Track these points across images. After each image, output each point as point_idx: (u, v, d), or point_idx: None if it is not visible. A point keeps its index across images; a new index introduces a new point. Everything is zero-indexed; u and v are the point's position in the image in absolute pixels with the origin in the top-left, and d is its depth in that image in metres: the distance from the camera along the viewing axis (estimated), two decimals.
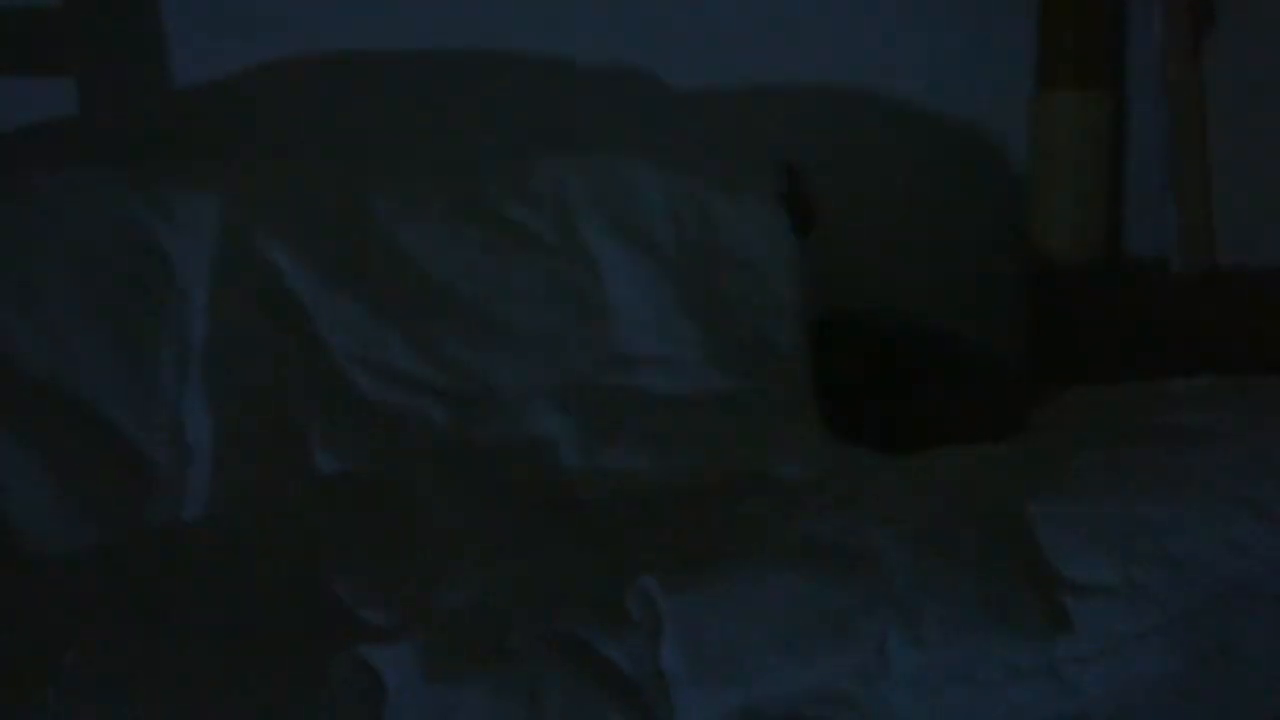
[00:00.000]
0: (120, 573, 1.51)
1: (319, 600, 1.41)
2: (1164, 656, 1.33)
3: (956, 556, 1.38)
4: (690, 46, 2.37)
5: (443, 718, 1.24)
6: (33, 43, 2.06)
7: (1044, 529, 1.43)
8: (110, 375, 1.72)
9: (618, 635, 1.31)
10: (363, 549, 1.54)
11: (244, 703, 1.25)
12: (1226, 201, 2.42)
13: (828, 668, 1.30)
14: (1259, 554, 1.38)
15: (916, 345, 2.22)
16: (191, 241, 1.81)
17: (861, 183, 2.50)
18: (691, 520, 1.53)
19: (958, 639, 1.32)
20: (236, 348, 1.77)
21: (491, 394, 1.82)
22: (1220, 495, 1.44)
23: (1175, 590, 1.35)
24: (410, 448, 1.74)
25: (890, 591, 1.34)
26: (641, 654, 1.30)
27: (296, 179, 1.92)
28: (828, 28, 2.43)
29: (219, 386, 1.74)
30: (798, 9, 2.41)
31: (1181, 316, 2.27)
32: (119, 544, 1.58)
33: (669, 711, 1.27)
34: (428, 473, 1.69)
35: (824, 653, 1.30)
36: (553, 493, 1.67)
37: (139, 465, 1.68)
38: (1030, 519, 1.44)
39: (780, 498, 1.57)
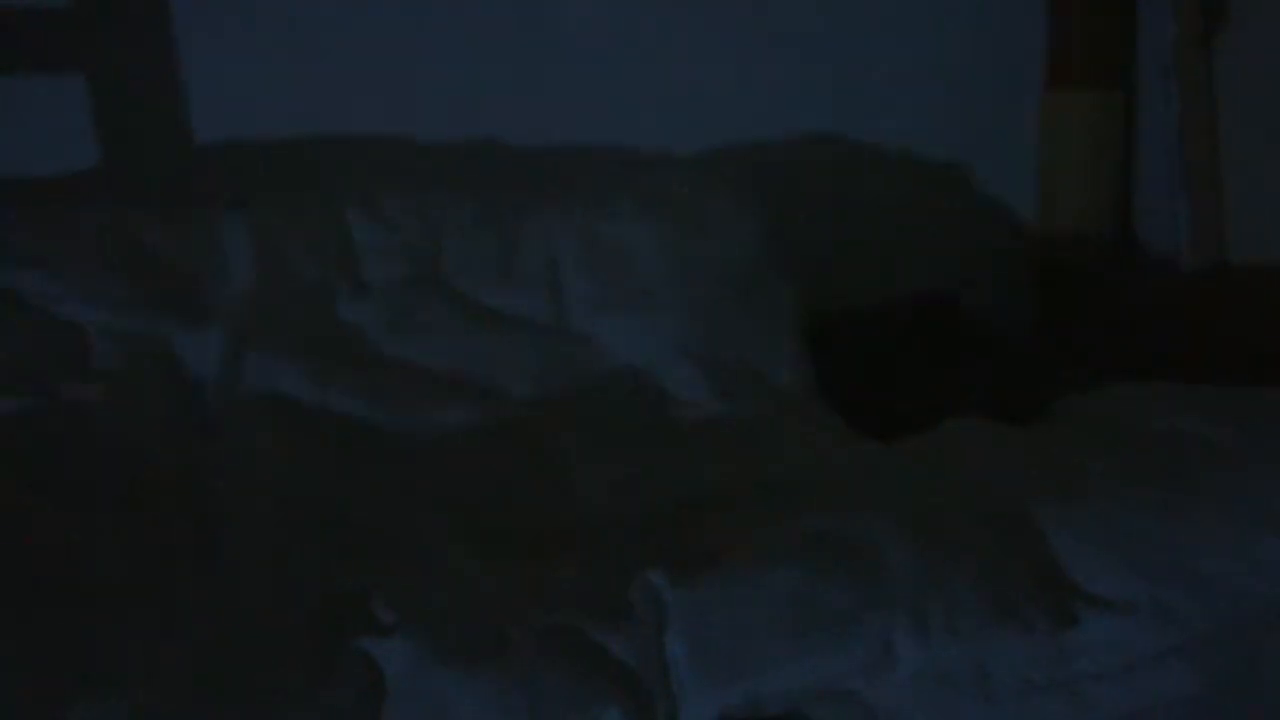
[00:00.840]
0: (140, 554, 1.51)
1: (327, 595, 1.41)
2: (1183, 677, 1.32)
3: (964, 555, 1.37)
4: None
5: (443, 710, 1.23)
6: (43, 41, 2.07)
7: (1056, 534, 1.41)
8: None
9: (620, 628, 1.31)
10: (369, 546, 1.54)
11: (250, 693, 1.24)
12: (1237, 197, 2.41)
13: (833, 663, 1.29)
14: None
15: (935, 328, 2.23)
16: (200, 355, 1.87)
17: (874, 180, 2.51)
18: (697, 521, 1.52)
19: (964, 636, 1.31)
20: (247, 453, 1.79)
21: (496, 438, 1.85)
22: (1242, 513, 1.41)
23: (1199, 610, 1.33)
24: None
25: (896, 589, 1.33)
26: (645, 646, 1.29)
27: (285, 302, 1.94)
28: (840, 27, 2.44)
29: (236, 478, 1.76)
30: (811, 7, 2.42)
31: (1192, 311, 2.26)
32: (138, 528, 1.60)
33: (671, 703, 1.26)
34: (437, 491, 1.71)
35: (829, 648, 1.29)
36: (559, 500, 1.67)
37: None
38: (1041, 522, 1.43)
39: (787, 496, 1.55)
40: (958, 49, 2.50)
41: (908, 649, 1.30)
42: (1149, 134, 2.52)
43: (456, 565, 1.46)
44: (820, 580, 1.33)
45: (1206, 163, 2.42)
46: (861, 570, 1.34)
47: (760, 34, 2.40)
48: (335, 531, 1.60)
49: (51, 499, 1.64)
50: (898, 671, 1.30)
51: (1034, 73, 2.54)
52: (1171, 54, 2.42)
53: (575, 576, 1.40)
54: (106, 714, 1.20)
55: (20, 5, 2.06)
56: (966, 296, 2.40)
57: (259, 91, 2.16)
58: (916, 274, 2.43)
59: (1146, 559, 1.37)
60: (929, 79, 2.49)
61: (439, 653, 1.28)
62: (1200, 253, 2.39)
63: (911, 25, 2.47)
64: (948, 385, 2.00)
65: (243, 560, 1.52)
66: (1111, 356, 2.14)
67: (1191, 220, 2.40)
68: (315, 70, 2.19)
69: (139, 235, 1.94)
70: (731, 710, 1.28)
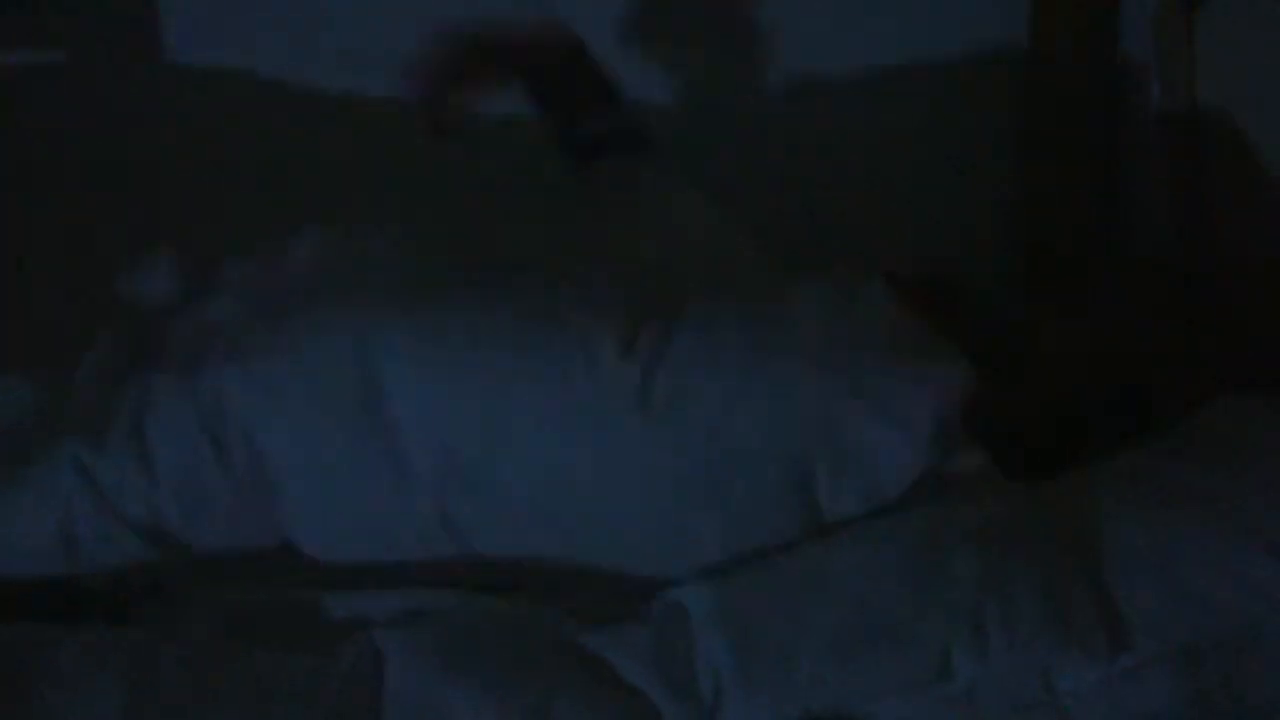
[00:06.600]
0: None
1: (325, 590, 1.40)
2: (1164, 694, 1.28)
3: (1024, 568, 1.34)
4: None
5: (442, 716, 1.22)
6: (21, 16, 2.03)
7: None
8: None
9: (640, 641, 1.31)
10: None
11: (247, 689, 1.24)
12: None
13: (886, 676, 1.27)
14: (1270, 593, 1.31)
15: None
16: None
17: (854, 149, 2.50)
18: None
19: (1021, 653, 1.28)
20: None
21: None
22: (1231, 526, 1.37)
23: (1180, 624, 1.30)
24: None
25: (957, 601, 1.30)
26: (676, 660, 1.28)
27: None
28: None
29: None
30: None
31: (1177, 301, 2.25)
32: None
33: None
34: None
35: (883, 661, 1.27)
36: None
37: None
38: None
39: None
40: (937, 15, 2.49)
41: (965, 664, 1.28)
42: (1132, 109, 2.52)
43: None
44: (879, 589, 1.31)
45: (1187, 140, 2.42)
46: (923, 578, 1.32)
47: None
48: None
49: None
50: (944, 688, 1.28)
51: (1017, 45, 2.53)
52: (1152, 28, 2.42)
53: (597, 591, 1.40)
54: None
55: None
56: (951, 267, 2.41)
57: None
58: (898, 252, 2.43)
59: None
60: (907, 46, 2.49)
61: (445, 659, 1.27)
62: (1187, 234, 2.40)
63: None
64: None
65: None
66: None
67: (1174, 199, 2.41)
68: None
69: None
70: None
